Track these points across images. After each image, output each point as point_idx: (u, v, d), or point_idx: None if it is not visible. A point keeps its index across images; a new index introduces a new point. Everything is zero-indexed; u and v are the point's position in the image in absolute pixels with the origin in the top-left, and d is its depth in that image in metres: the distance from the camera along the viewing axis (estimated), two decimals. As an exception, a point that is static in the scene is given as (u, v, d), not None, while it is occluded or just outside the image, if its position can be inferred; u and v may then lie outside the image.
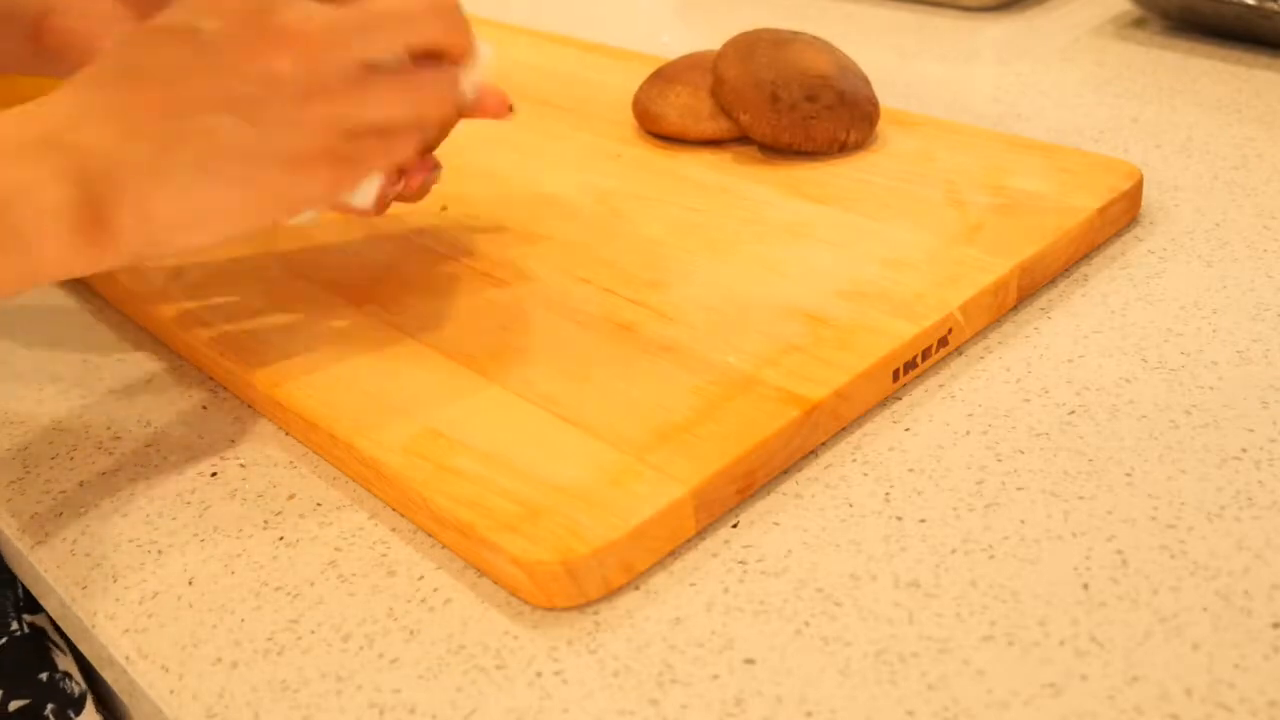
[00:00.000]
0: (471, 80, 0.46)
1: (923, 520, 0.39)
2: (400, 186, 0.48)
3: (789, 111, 0.59)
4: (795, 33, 0.63)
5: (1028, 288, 0.50)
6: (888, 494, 0.41)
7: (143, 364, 0.52)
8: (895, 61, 0.79)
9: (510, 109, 0.49)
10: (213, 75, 0.39)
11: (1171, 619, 0.35)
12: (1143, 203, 0.57)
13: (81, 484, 0.45)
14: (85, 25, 0.50)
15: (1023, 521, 0.39)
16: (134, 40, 0.40)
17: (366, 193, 0.45)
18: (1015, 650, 0.34)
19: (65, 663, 0.52)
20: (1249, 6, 0.73)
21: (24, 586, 0.50)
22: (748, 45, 0.61)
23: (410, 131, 0.43)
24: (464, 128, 0.49)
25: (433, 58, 0.43)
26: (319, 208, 0.43)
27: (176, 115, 0.39)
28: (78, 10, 0.50)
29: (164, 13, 0.41)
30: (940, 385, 0.46)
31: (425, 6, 0.43)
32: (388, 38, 0.41)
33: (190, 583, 0.40)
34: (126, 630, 0.38)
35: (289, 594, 0.39)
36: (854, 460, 0.42)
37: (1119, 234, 0.55)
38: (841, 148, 0.60)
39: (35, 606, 0.53)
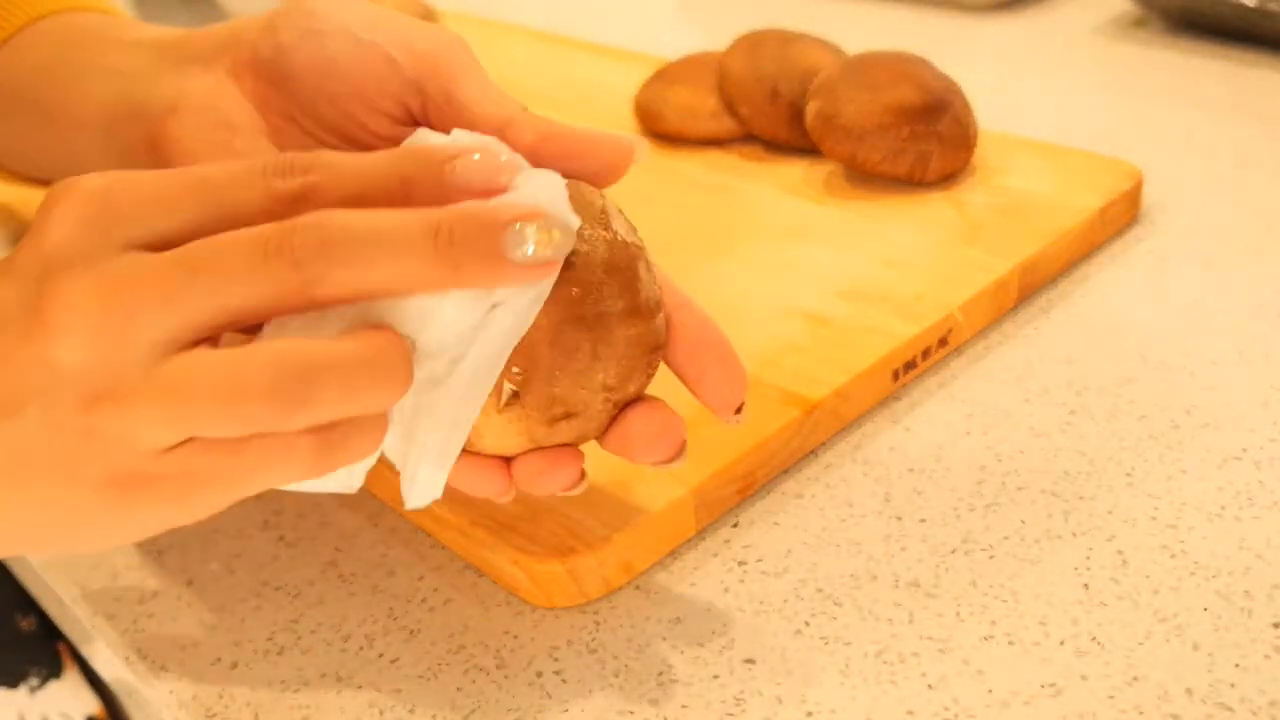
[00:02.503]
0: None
1: (923, 520, 0.39)
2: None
3: (788, 107, 0.59)
4: (804, 33, 0.63)
5: (1028, 288, 0.50)
6: (888, 494, 0.41)
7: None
8: (895, 61, 0.79)
9: (740, 410, 0.35)
10: None
11: (1171, 619, 0.35)
12: (1143, 203, 0.57)
13: (81, 484, 0.45)
14: (196, 142, 0.38)
15: (1023, 521, 0.39)
16: None
17: (328, 483, 0.32)
18: (1015, 650, 0.34)
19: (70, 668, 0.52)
20: (1249, 7, 0.73)
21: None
22: (755, 42, 0.61)
23: (274, 438, 0.29)
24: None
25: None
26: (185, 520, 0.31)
27: None
28: (194, 120, 0.38)
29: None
30: (940, 385, 0.46)
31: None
32: (202, 296, 0.28)
33: (190, 583, 0.40)
34: (126, 630, 0.38)
35: (289, 594, 0.39)
36: (854, 460, 0.42)
37: (1119, 234, 0.55)
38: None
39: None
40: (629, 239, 0.33)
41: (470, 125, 0.34)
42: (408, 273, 0.28)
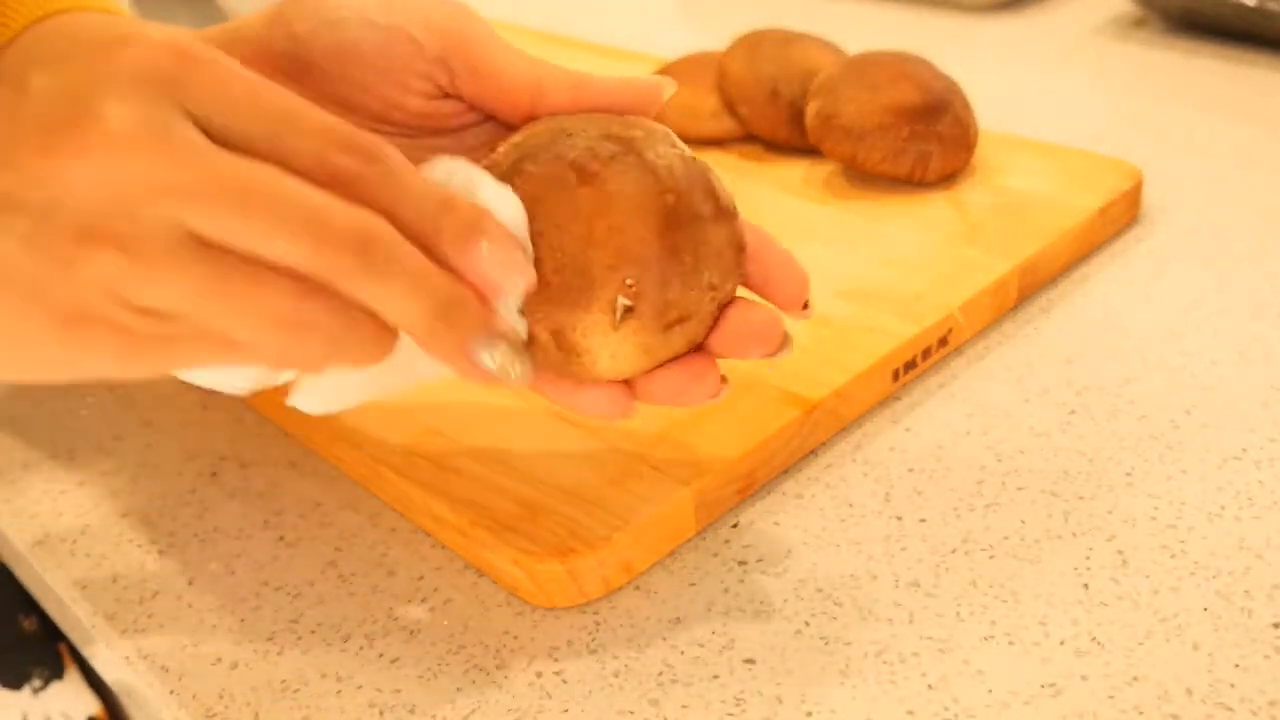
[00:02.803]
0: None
1: (923, 520, 0.39)
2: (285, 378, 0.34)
3: (788, 107, 0.59)
4: (804, 33, 0.63)
5: (1028, 288, 0.50)
6: (888, 494, 0.41)
7: (143, 364, 0.52)
8: (895, 61, 0.79)
9: (806, 305, 0.36)
10: None
11: (1171, 619, 0.35)
12: (1143, 203, 0.57)
13: (81, 484, 0.45)
14: None
15: (1023, 521, 0.39)
16: None
17: (235, 379, 0.33)
18: (1015, 650, 0.34)
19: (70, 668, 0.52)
20: (1249, 7, 0.73)
21: None
22: (755, 42, 0.61)
23: (256, 348, 0.30)
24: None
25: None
26: (112, 377, 0.31)
27: None
28: None
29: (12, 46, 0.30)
30: (940, 385, 0.46)
31: (353, 222, 0.29)
32: (239, 229, 0.28)
33: (190, 583, 0.40)
34: (126, 630, 0.38)
35: (289, 594, 0.39)
36: (854, 460, 0.42)
37: (1119, 234, 0.55)
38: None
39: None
40: (694, 155, 0.36)
41: (503, 92, 0.36)
42: (405, 312, 0.30)
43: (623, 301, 0.33)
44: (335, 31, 0.36)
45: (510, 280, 0.31)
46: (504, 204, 0.32)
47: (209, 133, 0.29)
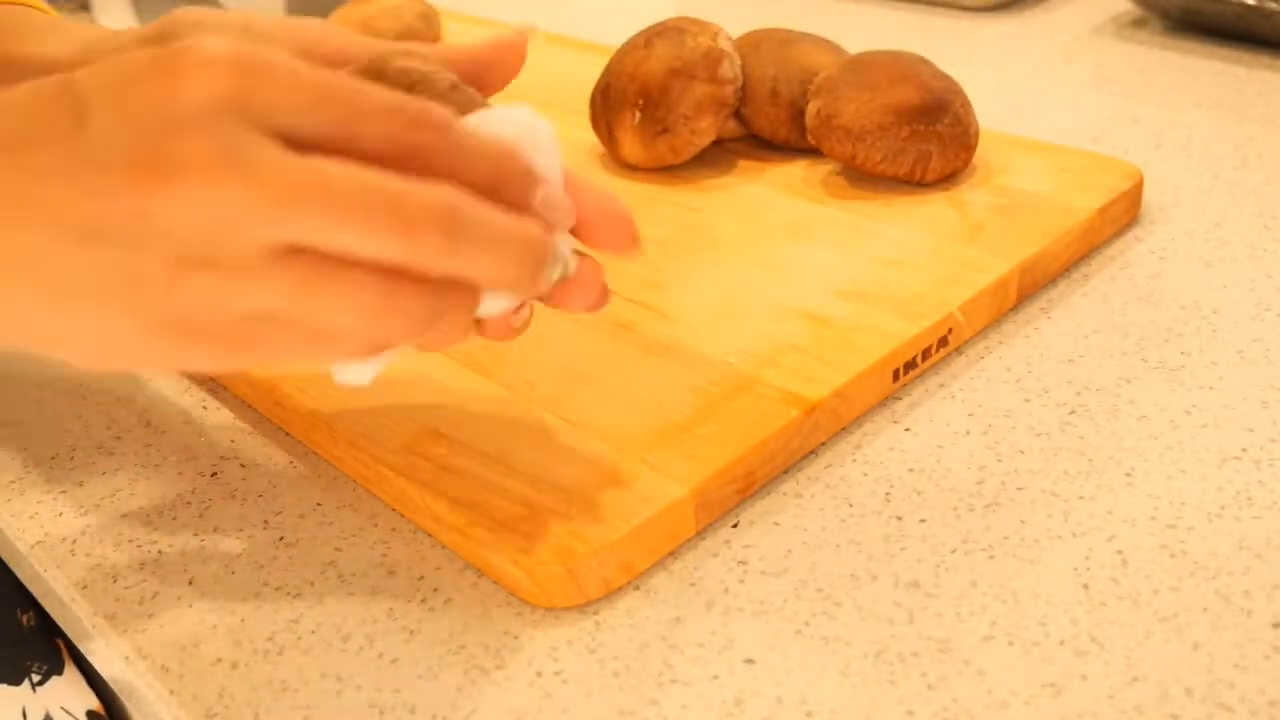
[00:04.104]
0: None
1: (923, 520, 0.39)
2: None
3: (788, 107, 0.59)
4: (804, 33, 0.63)
5: (1028, 288, 0.50)
6: (888, 494, 0.41)
7: (143, 364, 0.52)
8: (895, 61, 0.79)
9: (635, 241, 0.37)
10: (74, 185, 0.29)
11: (1171, 619, 0.35)
12: (1143, 203, 0.57)
13: (81, 484, 0.45)
14: None
15: (1023, 521, 0.39)
16: (6, 101, 0.30)
17: (359, 371, 0.35)
18: (1015, 650, 0.34)
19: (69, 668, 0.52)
20: (1249, 6, 0.73)
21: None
22: (755, 42, 0.61)
23: (351, 338, 0.32)
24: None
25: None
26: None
27: (11, 224, 0.29)
28: None
29: (66, 75, 0.30)
30: (940, 385, 0.46)
31: (442, 206, 0.30)
32: (348, 232, 0.29)
33: (190, 583, 0.40)
34: (126, 630, 0.38)
35: (289, 594, 0.39)
36: (854, 460, 0.42)
37: (1119, 234, 0.55)
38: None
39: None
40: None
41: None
42: (495, 269, 0.32)
43: None
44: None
45: (564, 218, 0.34)
46: (546, 131, 0.35)
47: (283, 135, 0.29)
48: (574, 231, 0.36)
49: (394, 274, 0.31)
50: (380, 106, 0.31)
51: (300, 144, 0.30)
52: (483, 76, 0.39)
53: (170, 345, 0.31)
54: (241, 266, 0.29)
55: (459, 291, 0.32)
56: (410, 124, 0.31)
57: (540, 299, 0.37)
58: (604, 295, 0.37)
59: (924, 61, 0.57)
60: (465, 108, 0.35)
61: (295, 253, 0.29)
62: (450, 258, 0.31)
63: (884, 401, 0.45)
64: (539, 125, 0.35)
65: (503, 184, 0.33)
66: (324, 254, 0.30)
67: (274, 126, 0.29)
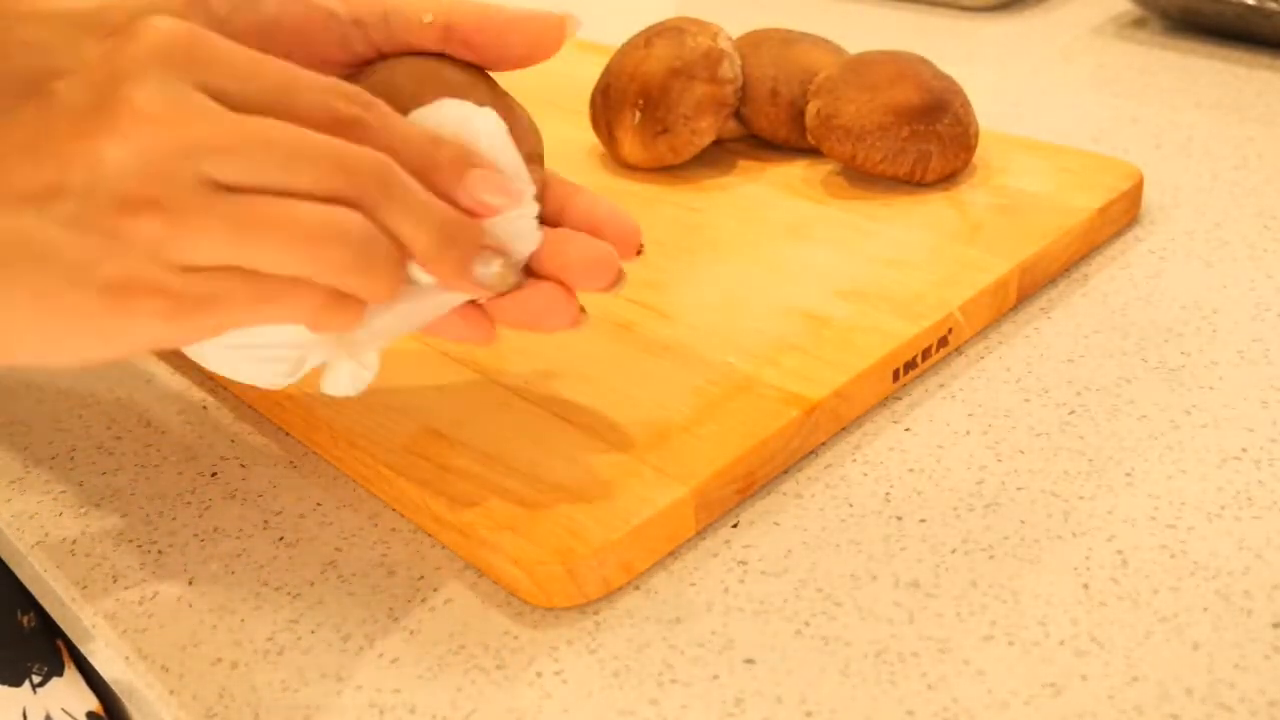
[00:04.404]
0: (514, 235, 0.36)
1: (923, 520, 0.39)
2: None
3: (788, 107, 0.59)
4: (804, 33, 0.63)
5: (1028, 288, 0.50)
6: (888, 494, 0.41)
7: (142, 364, 0.52)
8: (895, 61, 0.79)
9: (639, 251, 0.38)
10: (29, 149, 0.30)
11: (1171, 619, 0.35)
12: (1143, 203, 0.57)
13: (81, 484, 0.45)
14: None
15: (1023, 521, 0.39)
16: None
17: (269, 370, 0.36)
18: (1015, 650, 0.34)
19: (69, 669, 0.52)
20: (1249, 6, 0.73)
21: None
22: (755, 42, 0.62)
23: (302, 286, 0.32)
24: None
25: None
26: (152, 349, 0.34)
27: None
28: None
29: (29, 22, 0.32)
30: (940, 385, 0.46)
31: (367, 159, 0.32)
32: (271, 167, 0.31)
33: (190, 583, 0.40)
34: (126, 630, 0.38)
35: (289, 594, 0.39)
36: (854, 460, 0.42)
37: (1119, 234, 0.55)
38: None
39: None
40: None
41: (412, 33, 0.37)
42: (417, 237, 0.33)
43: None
44: (254, 9, 0.37)
45: (499, 201, 0.35)
46: (485, 121, 0.35)
47: (224, 102, 0.31)
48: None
49: (330, 204, 0.32)
50: (315, 82, 0.33)
51: (241, 109, 0.31)
52: (489, 48, 0.38)
53: (124, 311, 0.31)
54: (184, 205, 0.30)
55: (389, 243, 0.33)
56: (343, 96, 0.33)
57: (506, 321, 0.37)
58: (574, 319, 0.37)
59: (924, 61, 0.57)
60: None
61: (237, 190, 0.31)
62: (382, 205, 0.32)
63: (884, 401, 0.45)
64: (477, 116, 0.35)
65: (432, 167, 0.34)
66: (265, 192, 0.31)
67: (217, 89, 0.31)
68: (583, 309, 0.37)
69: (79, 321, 0.31)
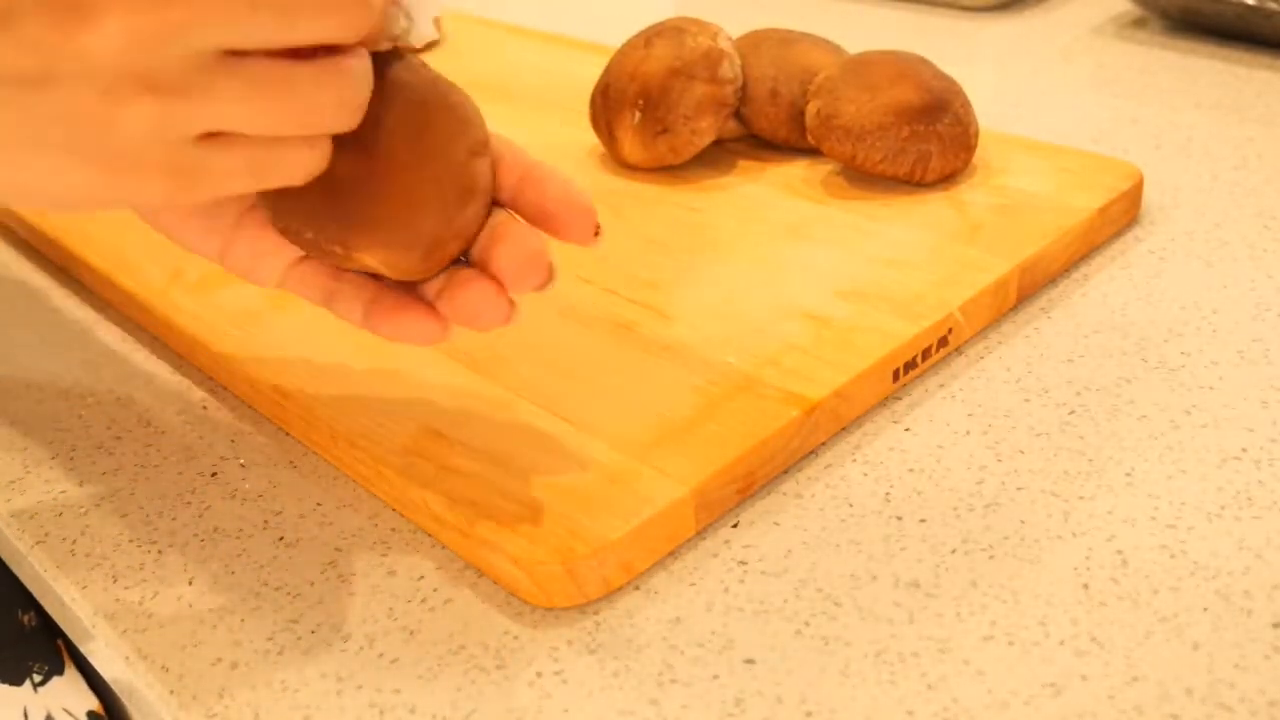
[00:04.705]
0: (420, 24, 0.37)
1: (923, 520, 0.39)
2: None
3: (788, 107, 0.59)
4: (804, 33, 0.63)
5: (1028, 288, 0.50)
6: (888, 494, 0.41)
7: (143, 364, 0.52)
8: (895, 61, 0.79)
9: (597, 233, 0.38)
10: (7, 37, 0.29)
11: (1171, 619, 0.35)
12: (1143, 203, 0.57)
13: (81, 484, 0.45)
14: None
15: (1023, 521, 0.39)
16: None
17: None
18: (1015, 650, 0.34)
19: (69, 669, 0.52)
20: (1249, 6, 0.73)
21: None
22: (755, 42, 0.62)
23: (295, 144, 0.33)
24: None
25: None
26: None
27: None
28: None
29: None
30: (940, 385, 0.46)
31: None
32: (263, 26, 0.30)
33: (190, 583, 0.40)
34: (126, 630, 0.38)
35: (289, 594, 0.39)
36: (854, 460, 0.42)
37: (1119, 234, 0.55)
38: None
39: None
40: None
41: None
42: None
43: None
44: None
45: None
46: None
47: None
48: (534, 221, 0.37)
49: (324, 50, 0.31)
50: None
51: None
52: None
53: (121, 182, 0.31)
54: (179, 81, 0.30)
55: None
56: None
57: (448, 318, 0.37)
58: (506, 316, 0.37)
59: (924, 61, 0.57)
60: None
61: (232, 57, 0.30)
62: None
63: (884, 401, 0.45)
64: None
65: None
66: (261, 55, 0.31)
67: None
68: (513, 303, 0.37)
69: (83, 189, 0.31)
